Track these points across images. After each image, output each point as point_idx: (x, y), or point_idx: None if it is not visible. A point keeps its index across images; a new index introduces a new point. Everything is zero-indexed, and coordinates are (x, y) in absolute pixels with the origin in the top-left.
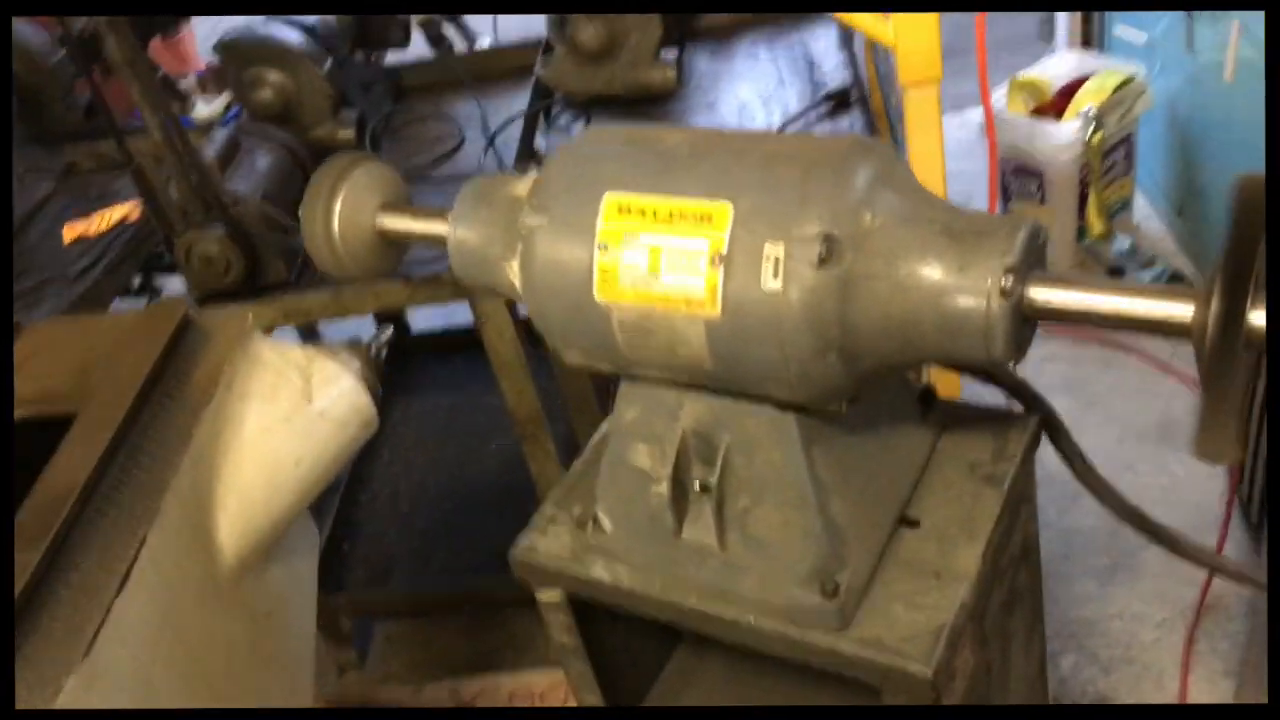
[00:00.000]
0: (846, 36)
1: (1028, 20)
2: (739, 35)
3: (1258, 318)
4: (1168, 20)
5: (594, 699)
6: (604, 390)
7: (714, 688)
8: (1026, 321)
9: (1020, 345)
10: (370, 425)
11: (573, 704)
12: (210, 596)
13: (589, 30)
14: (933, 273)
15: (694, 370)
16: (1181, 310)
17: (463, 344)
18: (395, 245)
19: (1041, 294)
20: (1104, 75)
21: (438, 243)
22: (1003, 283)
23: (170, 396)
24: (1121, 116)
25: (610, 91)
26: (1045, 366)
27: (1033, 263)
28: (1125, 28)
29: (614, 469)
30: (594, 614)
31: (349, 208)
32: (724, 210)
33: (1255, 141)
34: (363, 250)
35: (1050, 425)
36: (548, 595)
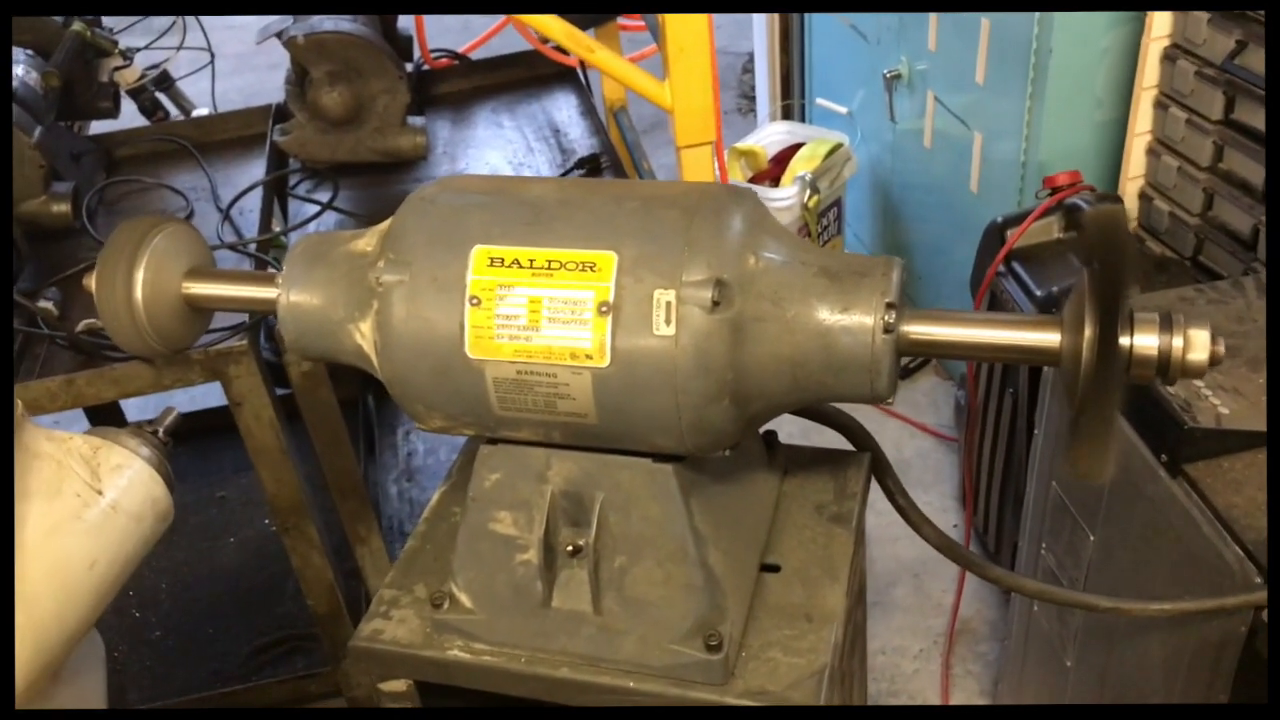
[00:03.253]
0: (588, 105)
1: (728, 97)
2: (478, 103)
3: (1127, 341)
4: (865, 93)
5: None
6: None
7: None
8: (900, 357)
9: (896, 381)
10: (167, 517)
11: None
12: None
13: (333, 96)
14: (818, 313)
15: (574, 426)
16: (1048, 339)
17: (183, 434)
18: (202, 315)
19: (916, 329)
20: (815, 144)
21: (260, 309)
22: (885, 319)
23: None
24: (832, 181)
25: (357, 158)
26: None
27: (904, 300)
28: (825, 101)
29: (474, 540)
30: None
31: (153, 274)
32: (608, 259)
33: (951, 201)
34: (169, 321)
35: (877, 462)
36: (393, 686)
